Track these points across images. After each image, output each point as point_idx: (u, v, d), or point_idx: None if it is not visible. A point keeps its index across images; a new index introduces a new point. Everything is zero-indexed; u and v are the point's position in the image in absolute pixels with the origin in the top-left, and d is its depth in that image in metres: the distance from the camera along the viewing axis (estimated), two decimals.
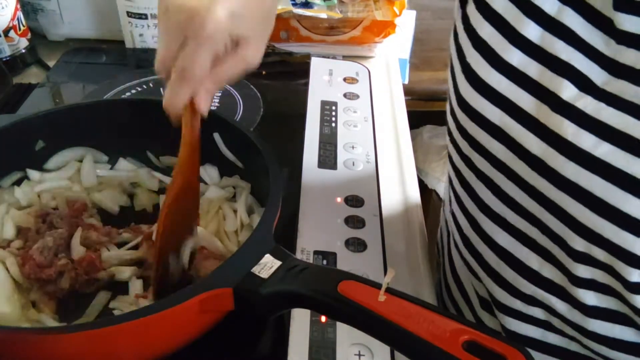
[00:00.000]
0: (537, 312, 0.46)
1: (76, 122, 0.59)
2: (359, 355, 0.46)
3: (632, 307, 0.39)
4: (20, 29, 0.84)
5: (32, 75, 0.86)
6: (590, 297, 0.41)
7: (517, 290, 0.46)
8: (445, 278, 0.60)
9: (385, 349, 0.46)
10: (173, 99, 0.43)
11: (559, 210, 0.39)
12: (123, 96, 0.76)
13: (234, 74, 0.44)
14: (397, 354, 0.46)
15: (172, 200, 0.46)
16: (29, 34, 0.87)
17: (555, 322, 0.46)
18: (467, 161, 0.46)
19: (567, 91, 0.36)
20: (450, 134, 0.49)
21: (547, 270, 0.43)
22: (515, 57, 0.39)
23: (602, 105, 0.35)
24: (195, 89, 0.43)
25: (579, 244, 0.39)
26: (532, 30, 0.38)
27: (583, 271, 0.40)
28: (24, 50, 0.86)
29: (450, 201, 0.53)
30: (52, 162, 0.59)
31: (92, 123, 0.59)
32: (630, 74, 0.34)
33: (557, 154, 0.37)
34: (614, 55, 0.35)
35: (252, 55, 0.44)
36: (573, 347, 0.47)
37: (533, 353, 0.49)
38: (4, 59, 0.83)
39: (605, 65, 0.35)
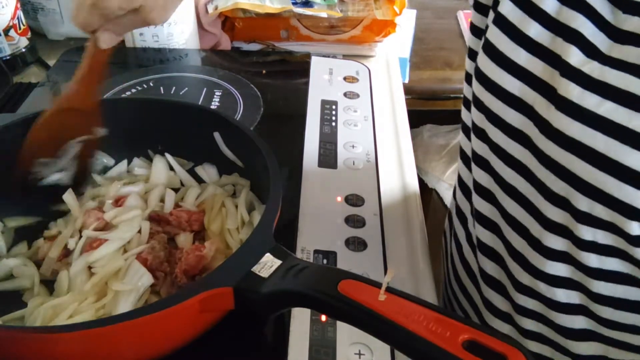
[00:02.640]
0: (541, 286, 0.47)
1: None
2: (359, 354, 0.46)
3: (636, 263, 0.41)
4: (20, 28, 0.84)
5: (32, 74, 0.86)
6: (593, 260, 0.43)
7: (526, 261, 0.47)
8: (453, 264, 0.60)
9: (386, 348, 0.46)
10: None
11: (564, 171, 0.40)
12: (123, 95, 0.76)
13: (135, 25, 0.50)
14: (397, 353, 0.46)
15: (53, 112, 0.53)
16: (29, 33, 0.87)
17: (558, 292, 0.47)
18: (481, 134, 0.48)
19: (575, 57, 0.39)
20: (463, 112, 0.52)
21: (548, 238, 0.44)
22: (533, 29, 0.41)
23: (607, 68, 0.37)
24: (92, 21, 0.48)
25: (583, 203, 0.40)
26: (550, 4, 0.40)
27: (585, 232, 0.42)
28: (24, 50, 0.86)
29: (463, 180, 0.55)
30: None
31: None
32: (634, 39, 0.37)
33: (562, 116, 0.39)
34: (619, 24, 0.38)
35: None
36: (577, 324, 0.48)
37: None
38: (4, 58, 0.83)
39: (610, 34, 0.38)
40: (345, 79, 0.82)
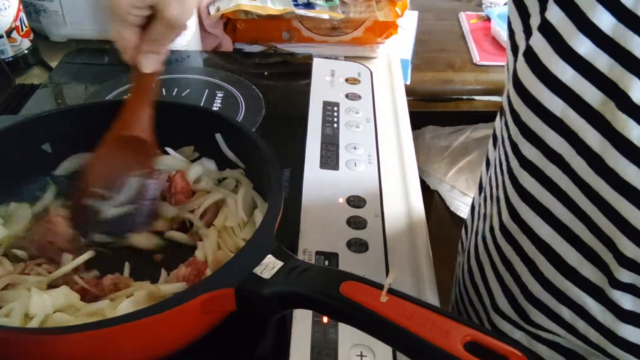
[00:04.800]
0: (565, 312, 0.45)
1: (80, 123, 0.59)
2: (361, 356, 0.46)
3: None
4: (22, 30, 0.84)
5: (35, 76, 0.86)
6: (627, 302, 0.41)
7: (550, 284, 0.45)
8: (469, 261, 0.59)
9: (387, 350, 0.46)
10: (123, 57, 0.51)
11: (612, 211, 0.38)
12: (125, 97, 0.76)
13: (165, 35, 0.49)
14: (399, 354, 0.46)
15: (108, 145, 0.53)
16: (32, 35, 0.87)
17: (581, 325, 0.45)
18: (513, 147, 0.44)
19: (638, 92, 0.34)
20: (502, 115, 0.48)
21: (586, 269, 0.42)
22: (583, 46, 0.36)
23: None
24: (131, 54, 0.50)
25: (627, 248, 0.38)
26: (604, 20, 0.35)
27: (626, 276, 0.39)
28: (26, 51, 0.86)
29: (491, 186, 0.52)
30: (61, 169, 0.59)
31: (96, 124, 0.59)
32: None
33: (618, 155, 0.36)
34: None
35: (175, 15, 0.47)
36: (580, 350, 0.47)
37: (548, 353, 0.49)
38: (7, 60, 0.84)
39: None
40: (347, 80, 0.82)
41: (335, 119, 0.73)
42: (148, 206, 0.54)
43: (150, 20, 0.48)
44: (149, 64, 0.50)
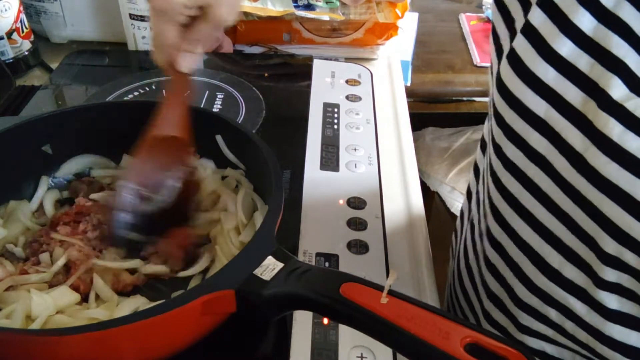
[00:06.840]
0: (552, 313, 0.46)
1: (80, 124, 0.59)
2: (361, 357, 0.46)
3: None
4: (23, 31, 0.85)
5: (35, 77, 0.86)
6: (613, 301, 0.41)
7: (535, 286, 0.45)
8: (459, 266, 0.59)
9: (388, 351, 0.46)
10: (155, 61, 0.50)
11: (594, 210, 0.38)
12: (125, 98, 0.76)
13: (207, 35, 0.49)
14: (399, 356, 0.46)
15: (148, 146, 0.51)
16: (32, 36, 0.87)
17: (569, 326, 0.45)
18: (497, 149, 0.45)
19: (617, 90, 0.35)
20: (488, 119, 0.49)
21: (568, 270, 0.42)
22: (565, 47, 0.37)
23: None
24: (169, 53, 0.49)
25: (610, 246, 0.38)
26: (585, 21, 0.36)
27: (610, 274, 0.39)
28: (26, 53, 0.86)
29: (476, 190, 0.53)
30: (62, 171, 0.59)
31: (96, 125, 0.59)
32: None
33: (599, 153, 0.36)
34: None
35: (221, 16, 0.47)
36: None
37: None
38: (7, 61, 0.84)
39: None
40: (347, 81, 0.82)
41: (336, 121, 0.73)
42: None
43: (193, 20, 0.48)
44: (187, 63, 0.50)
